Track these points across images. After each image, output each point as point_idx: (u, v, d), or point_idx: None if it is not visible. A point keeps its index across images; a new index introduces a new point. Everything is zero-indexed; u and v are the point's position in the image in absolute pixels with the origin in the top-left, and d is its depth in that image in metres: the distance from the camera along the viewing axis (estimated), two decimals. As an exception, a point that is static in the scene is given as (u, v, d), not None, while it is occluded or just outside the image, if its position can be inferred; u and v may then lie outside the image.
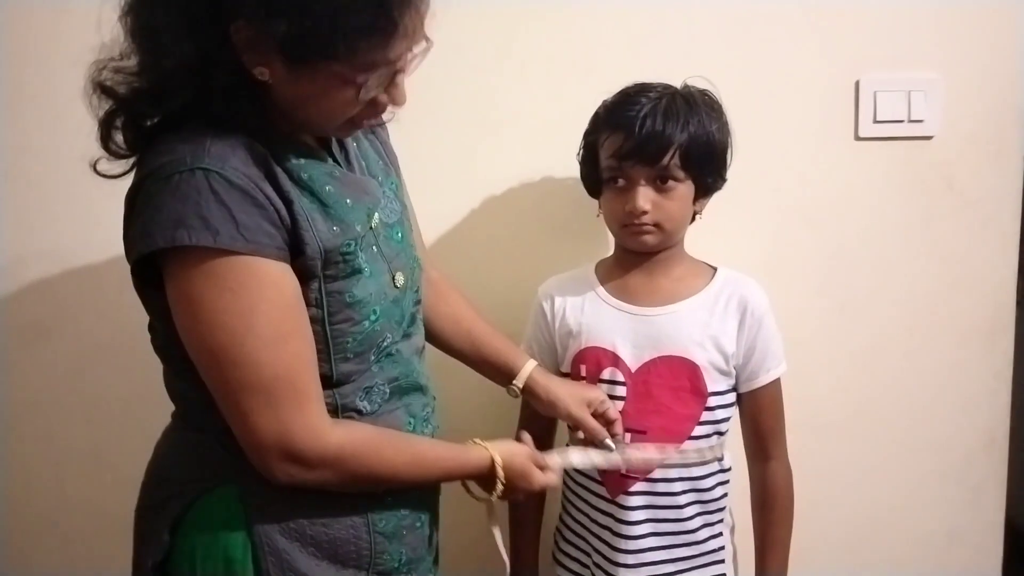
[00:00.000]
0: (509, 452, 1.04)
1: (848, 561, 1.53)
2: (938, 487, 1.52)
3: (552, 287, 1.32)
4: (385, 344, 0.98)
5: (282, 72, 0.84)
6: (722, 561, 1.27)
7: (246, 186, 0.83)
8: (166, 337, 0.92)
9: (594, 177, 1.24)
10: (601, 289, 1.28)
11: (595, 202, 1.28)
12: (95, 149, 1.38)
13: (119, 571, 1.48)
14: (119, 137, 0.90)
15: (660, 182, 1.17)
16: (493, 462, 1.02)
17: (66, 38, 1.37)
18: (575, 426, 1.20)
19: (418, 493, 1.03)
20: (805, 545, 1.45)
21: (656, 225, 1.19)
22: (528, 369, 1.19)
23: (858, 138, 1.43)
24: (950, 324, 1.48)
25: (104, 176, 0.92)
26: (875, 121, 1.42)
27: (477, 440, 1.04)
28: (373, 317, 0.96)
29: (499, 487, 1.02)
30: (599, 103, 1.26)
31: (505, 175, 1.43)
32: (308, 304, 0.90)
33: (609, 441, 1.18)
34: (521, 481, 1.05)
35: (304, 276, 0.89)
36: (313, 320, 0.91)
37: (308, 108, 0.89)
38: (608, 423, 1.19)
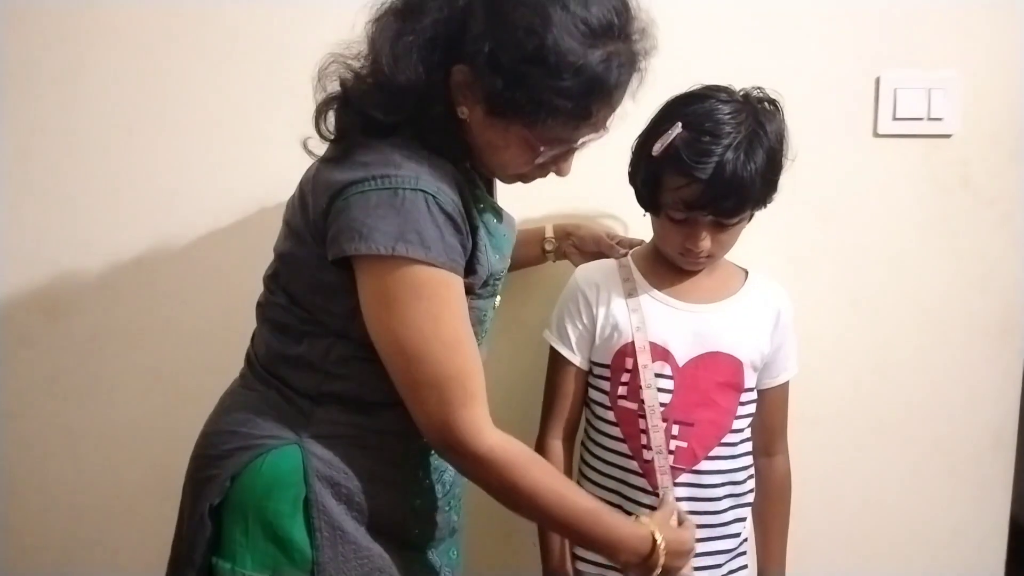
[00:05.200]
0: (662, 523, 1.06)
1: (853, 555, 1.54)
2: (944, 484, 1.53)
3: (595, 276, 1.27)
4: None
5: (479, 117, 0.96)
6: (744, 553, 1.29)
7: (453, 213, 0.95)
8: (302, 302, 1.02)
9: (653, 201, 1.19)
10: (645, 283, 1.26)
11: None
12: (112, 136, 1.40)
13: (130, 546, 1.51)
14: (330, 122, 1.01)
15: (724, 222, 1.16)
16: (654, 540, 1.03)
17: (69, 38, 1.39)
18: (598, 242, 1.33)
19: (451, 479, 1.12)
20: (811, 539, 1.46)
21: (711, 255, 1.19)
22: (549, 224, 1.38)
23: (877, 135, 1.44)
24: (961, 322, 1.49)
25: (311, 154, 1.02)
26: (895, 118, 1.42)
27: (639, 517, 1.07)
28: (483, 335, 1.09)
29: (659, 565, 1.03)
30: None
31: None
32: None
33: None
34: (679, 557, 1.06)
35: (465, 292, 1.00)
36: None
37: (488, 153, 1.01)
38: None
